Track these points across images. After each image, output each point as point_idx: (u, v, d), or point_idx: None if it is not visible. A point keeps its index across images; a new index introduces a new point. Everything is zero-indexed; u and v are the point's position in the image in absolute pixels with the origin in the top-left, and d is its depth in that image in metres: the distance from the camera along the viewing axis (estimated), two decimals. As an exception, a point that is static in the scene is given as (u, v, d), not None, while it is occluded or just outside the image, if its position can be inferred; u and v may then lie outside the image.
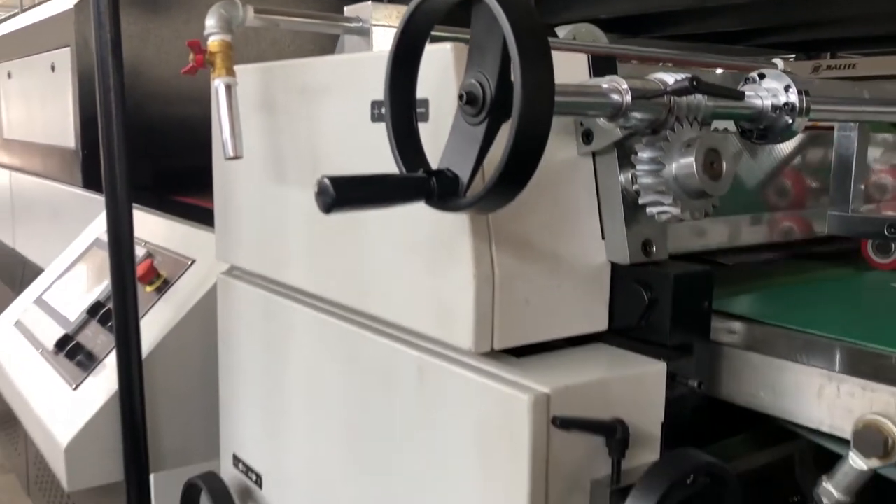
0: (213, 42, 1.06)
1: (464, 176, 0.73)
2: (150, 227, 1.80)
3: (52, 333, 1.69)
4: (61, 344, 1.59)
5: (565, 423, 0.78)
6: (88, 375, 1.49)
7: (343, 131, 1.02)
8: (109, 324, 1.55)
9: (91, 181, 2.47)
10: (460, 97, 0.72)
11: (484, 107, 0.71)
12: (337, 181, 0.68)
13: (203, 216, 1.75)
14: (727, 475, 0.78)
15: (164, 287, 1.57)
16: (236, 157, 1.07)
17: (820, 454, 0.94)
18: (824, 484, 0.84)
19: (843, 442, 0.83)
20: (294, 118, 1.11)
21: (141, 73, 2.56)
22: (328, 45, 1.37)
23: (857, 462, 0.80)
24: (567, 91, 0.77)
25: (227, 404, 1.36)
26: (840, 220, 1.31)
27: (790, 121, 0.94)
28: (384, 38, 1.18)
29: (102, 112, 1.29)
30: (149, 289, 1.59)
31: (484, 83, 0.71)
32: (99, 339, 1.56)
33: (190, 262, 1.57)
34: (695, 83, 0.78)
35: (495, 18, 0.66)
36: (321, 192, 0.68)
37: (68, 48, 2.53)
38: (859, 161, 1.30)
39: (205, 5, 1.09)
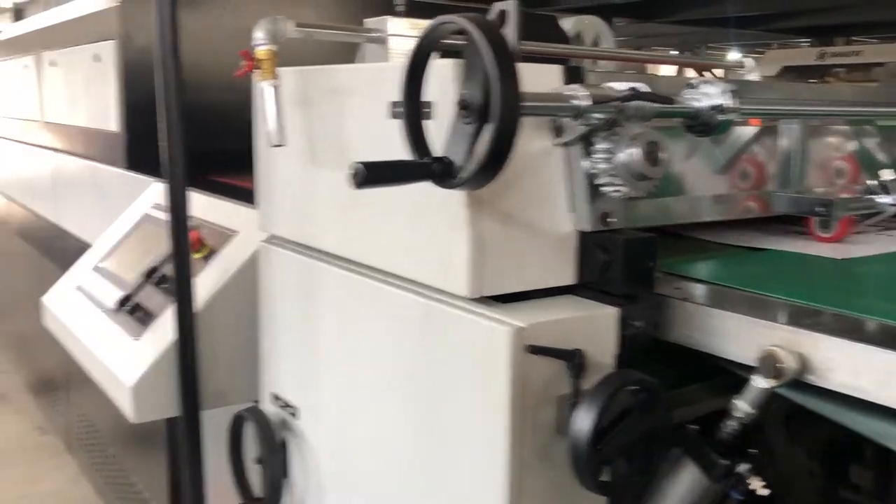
0: (261, 51, 1.31)
1: (458, 162, 0.98)
2: (193, 203, 2.05)
3: (112, 295, 1.96)
4: (122, 303, 1.86)
5: (535, 350, 1.03)
6: (147, 329, 1.75)
7: (365, 124, 1.26)
8: (164, 285, 1.82)
9: (134, 162, 2.73)
10: (457, 104, 0.97)
11: (474, 112, 0.96)
12: (366, 165, 0.93)
13: (236, 193, 2.02)
14: (656, 389, 1.03)
15: (210, 255, 1.83)
16: (280, 146, 1.32)
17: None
18: (735, 400, 1.08)
19: (751, 369, 1.08)
20: (325, 112, 1.36)
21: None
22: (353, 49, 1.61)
23: (759, 382, 1.05)
24: (539, 97, 1.01)
25: (266, 352, 1.62)
26: (781, 199, 1.56)
27: (722, 118, 1.18)
28: (398, 46, 1.43)
29: (163, 102, 1.54)
30: (197, 256, 1.85)
31: (475, 94, 0.95)
32: (154, 298, 1.83)
33: (232, 234, 1.83)
34: (634, 91, 1.03)
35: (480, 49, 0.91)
36: (354, 174, 0.93)
37: (113, 41, 2.78)
38: (799, 151, 1.54)
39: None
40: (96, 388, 3.34)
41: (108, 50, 2.85)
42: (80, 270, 2.25)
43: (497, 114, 0.88)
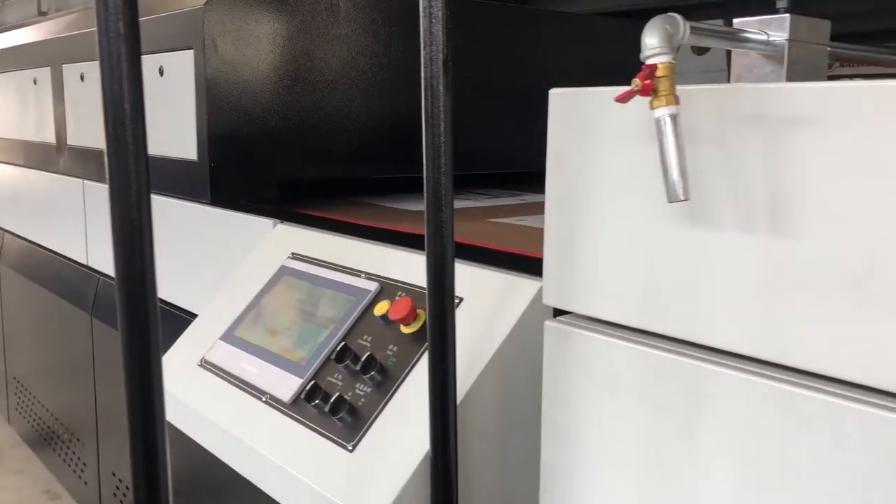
0: (659, 64, 0.89)
1: None
2: (383, 257, 1.60)
3: (275, 380, 1.49)
4: (309, 396, 1.40)
5: None
6: (363, 436, 1.30)
7: (845, 170, 0.86)
8: (370, 374, 1.37)
9: (219, 198, 2.25)
10: None
11: None
12: None
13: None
14: None
15: (423, 330, 1.39)
16: (684, 200, 0.90)
17: None
18: None
19: None
20: (736, 150, 0.94)
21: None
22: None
23: None
24: None
25: (557, 471, 1.19)
26: None
27: None
28: (797, 55, 1.02)
29: (429, 131, 1.11)
30: (407, 330, 1.40)
31: None
32: (357, 389, 1.37)
33: (458, 301, 1.39)
34: None
35: None
36: None
37: (191, 51, 2.30)
38: None
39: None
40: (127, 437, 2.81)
41: (180, 61, 2.37)
42: (199, 339, 1.77)
43: None
